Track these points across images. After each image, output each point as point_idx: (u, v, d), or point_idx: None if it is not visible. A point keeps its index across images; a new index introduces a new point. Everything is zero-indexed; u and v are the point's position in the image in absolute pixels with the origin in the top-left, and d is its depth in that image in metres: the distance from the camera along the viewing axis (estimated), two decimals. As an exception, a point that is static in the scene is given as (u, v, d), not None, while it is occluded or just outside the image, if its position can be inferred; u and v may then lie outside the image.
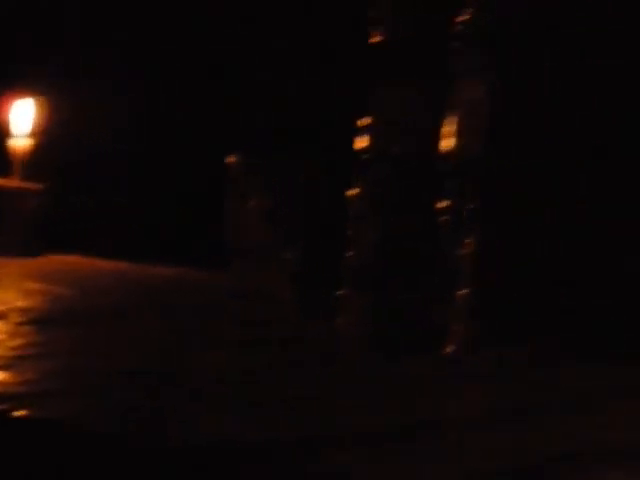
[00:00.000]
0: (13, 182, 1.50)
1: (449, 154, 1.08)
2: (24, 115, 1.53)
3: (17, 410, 0.73)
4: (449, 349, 1.06)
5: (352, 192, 1.11)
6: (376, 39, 1.10)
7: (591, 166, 1.11)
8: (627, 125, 1.10)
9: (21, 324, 1.06)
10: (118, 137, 1.47)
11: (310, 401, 0.84)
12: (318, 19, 1.27)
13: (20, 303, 1.16)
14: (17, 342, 0.96)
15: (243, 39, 1.37)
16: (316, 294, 1.19)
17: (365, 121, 1.10)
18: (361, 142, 1.11)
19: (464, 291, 1.08)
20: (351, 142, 1.11)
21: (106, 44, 1.49)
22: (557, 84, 1.10)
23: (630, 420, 0.78)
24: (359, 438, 0.73)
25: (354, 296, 1.11)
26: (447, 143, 1.08)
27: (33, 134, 1.52)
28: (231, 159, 1.27)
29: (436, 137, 1.09)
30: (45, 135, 1.52)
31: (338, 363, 1.00)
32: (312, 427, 0.76)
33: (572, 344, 1.03)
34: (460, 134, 1.07)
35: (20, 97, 1.52)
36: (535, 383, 0.95)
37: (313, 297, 1.20)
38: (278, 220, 1.24)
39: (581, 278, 1.08)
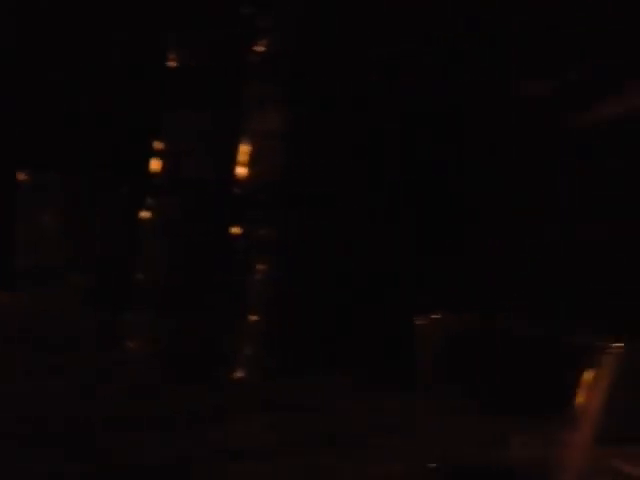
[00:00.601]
0: None
1: (243, 181, 1.09)
2: None
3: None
4: (238, 375, 1.07)
5: (145, 214, 1.11)
6: (172, 63, 1.10)
7: (388, 194, 1.14)
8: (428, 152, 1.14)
9: None
10: None
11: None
12: (116, 38, 1.25)
13: None
14: None
15: (31, 50, 1.33)
16: (107, 316, 1.17)
17: (159, 145, 1.10)
18: (155, 165, 1.11)
19: (254, 317, 1.10)
20: (147, 164, 1.11)
21: None
22: (351, 115, 1.13)
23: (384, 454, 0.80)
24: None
25: (144, 319, 1.10)
26: (241, 170, 1.09)
27: None
28: (21, 176, 1.24)
29: (231, 164, 1.10)
30: None
31: (126, 385, 0.99)
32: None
33: (363, 374, 1.06)
34: (254, 162, 1.09)
35: None
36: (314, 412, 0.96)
37: (104, 319, 1.19)
38: (69, 240, 1.21)
39: (372, 308, 1.11)
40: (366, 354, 1.11)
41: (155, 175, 1.10)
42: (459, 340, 0.56)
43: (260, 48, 1.09)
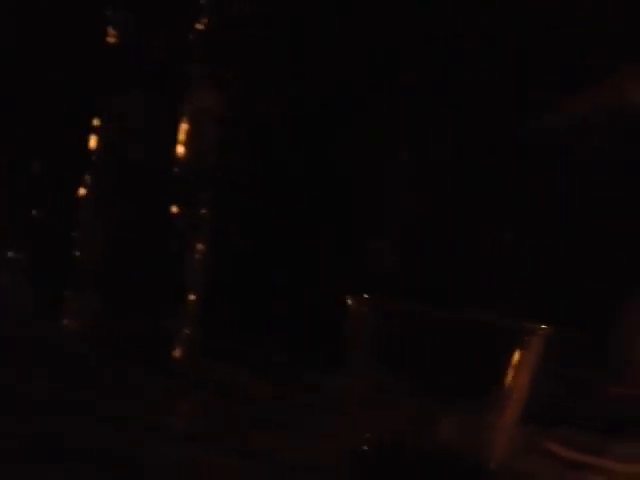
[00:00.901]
0: None
1: (181, 161, 1.09)
2: None
3: None
4: (176, 354, 1.07)
5: (81, 192, 1.10)
6: (112, 40, 1.09)
7: (323, 177, 1.15)
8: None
9: None
10: None
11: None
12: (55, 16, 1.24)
13: None
14: None
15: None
16: (44, 293, 1.17)
17: (97, 122, 1.09)
18: (92, 143, 1.10)
19: (192, 297, 1.09)
20: (83, 142, 1.10)
21: None
22: (289, 96, 1.13)
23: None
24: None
25: (82, 297, 1.10)
26: (180, 150, 1.09)
27: None
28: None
29: (170, 144, 1.10)
30: None
31: (61, 364, 0.99)
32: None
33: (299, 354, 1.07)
34: (192, 142, 1.08)
35: None
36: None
37: (42, 296, 1.18)
38: (4, 218, 1.20)
39: (305, 286, 1.12)
40: (301, 334, 1.12)
41: (93, 153, 1.10)
42: (389, 321, 0.56)
43: (200, 27, 1.09)
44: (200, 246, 1.11)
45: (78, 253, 1.10)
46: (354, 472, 0.57)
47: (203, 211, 1.11)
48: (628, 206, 0.98)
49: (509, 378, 0.56)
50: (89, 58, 1.15)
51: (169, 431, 0.79)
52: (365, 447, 0.57)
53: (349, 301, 0.57)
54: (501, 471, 0.58)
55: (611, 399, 0.98)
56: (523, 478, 0.79)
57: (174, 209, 1.09)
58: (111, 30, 1.10)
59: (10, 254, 1.20)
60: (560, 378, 0.96)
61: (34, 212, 1.20)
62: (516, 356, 0.56)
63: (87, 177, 1.10)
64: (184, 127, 1.09)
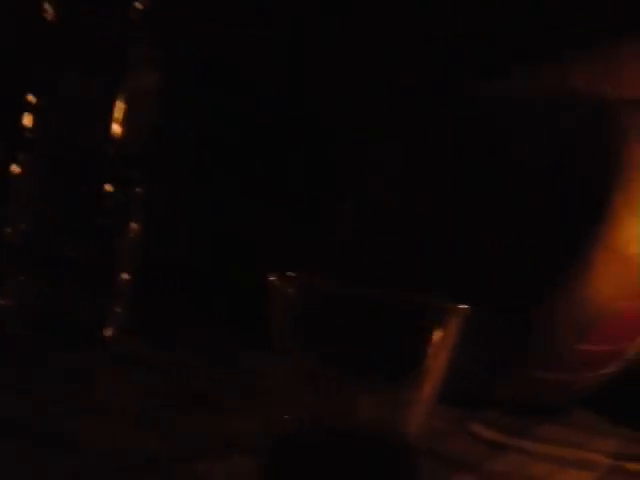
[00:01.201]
0: None
1: (116, 140, 1.09)
2: None
3: None
4: (109, 334, 1.07)
5: (15, 169, 1.09)
6: (48, 17, 1.08)
7: (257, 153, 1.15)
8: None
9: None
10: None
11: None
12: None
13: None
14: None
15: None
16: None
17: (32, 99, 1.09)
18: (27, 120, 1.09)
19: (126, 276, 1.09)
20: (17, 119, 1.10)
21: None
22: (230, 79, 1.13)
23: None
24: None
25: (14, 274, 1.09)
26: (115, 129, 1.08)
27: None
28: None
29: (106, 122, 1.09)
30: None
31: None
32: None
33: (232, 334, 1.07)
34: (127, 122, 1.08)
35: None
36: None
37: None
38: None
39: (241, 270, 1.12)
40: (233, 316, 1.12)
41: (27, 130, 1.09)
42: (310, 300, 0.57)
43: (139, 5, 1.08)
44: (134, 225, 1.11)
45: (9, 230, 1.10)
46: (276, 452, 0.58)
47: (137, 190, 1.11)
48: (559, 192, 0.99)
49: (428, 357, 0.57)
50: (25, 35, 1.14)
51: (101, 409, 0.79)
52: (287, 427, 0.58)
53: (272, 279, 0.58)
54: (420, 449, 0.59)
55: (534, 383, 0.99)
56: (446, 459, 0.80)
57: (108, 187, 1.09)
58: (48, 7, 1.09)
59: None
60: (483, 361, 0.97)
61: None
62: (435, 335, 0.57)
63: (20, 155, 1.09)
64: (120, 106, 1.08)
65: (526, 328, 0.96)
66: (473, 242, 1.00)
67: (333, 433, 0.57)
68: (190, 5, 1.16)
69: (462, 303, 0.59)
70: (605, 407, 1.06)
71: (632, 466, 0.87)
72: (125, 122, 1.07)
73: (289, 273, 0.58)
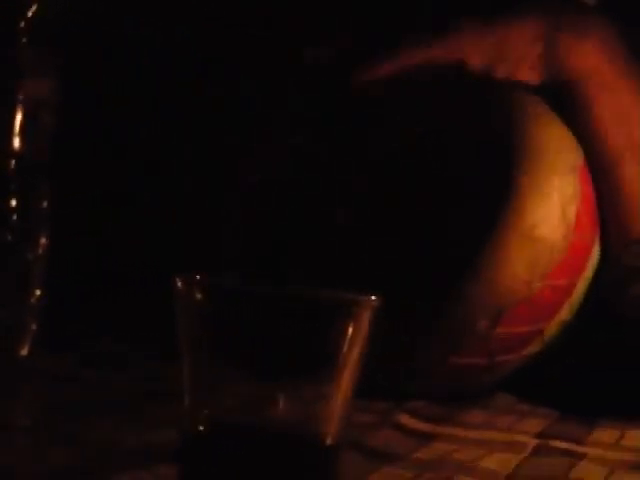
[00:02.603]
0: None
1: (15, 153, 1.06)
2: None
3: None
4: (21, 350, 1.05)
5: None
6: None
7: (161, 164, 1.13)
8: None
9: None
10: None
11: None
12: None
13: None
14: None
15: None
16: None
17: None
18: None
19: (38, 291, 1.07)
20: None
21: None
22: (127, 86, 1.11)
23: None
24: None
25: None
26: (14, 142, 1.06)
27: None
28: None
29: (6, 134, 1.07)
30: None
31: None
32: None
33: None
34: (26, 133, 1.06)
35: None
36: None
37: None
38: None
39: (147, 276, 1.10)
40: (143, 324, 1.11)
41: None
42: (217, 301, 0.56)
43: (32, 12, 1.06)
44: (43, 240, 1.08)
45: None
46: (190, 454, 0.57)
47: (44, 204, 1.09)
48: (464, 176, 0.99)
49: (343, 351, 0.56)
50: None
51: (12, 425, 0.78)
52: (201, 427, 0.57)
53: (176, 282, 0.56)
54: (342, 444, 0.58)
55: (452, 369, 1.00)
56: (373, 451, 0.80)
57: (13, 202, 1.07)
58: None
59: None
60: (398, 349, 0.97)
61: None
62: (348, 328, 0.56)
63: None
64: (18, 117, 1.06)
65: (439, 314, 0.97)
66: (382, 228, 1.00)
67: (250, 433, 0.56)
68: (87, 10, 1.14)
69: (373, 292, 0.58)
70: (527, 388, 1.07)
71: (557, 444, 0.87)
72: (22, 134, 1.05)
73: (195, 275, 0.57)
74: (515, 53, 1.01)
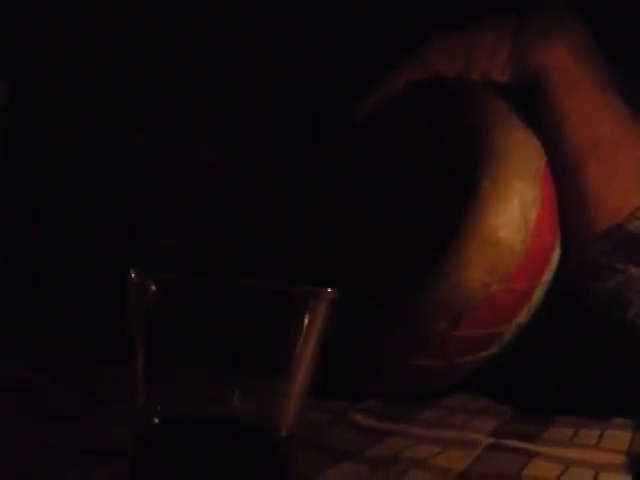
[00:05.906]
0: None
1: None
2: None
3: None
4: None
5: None
6: None
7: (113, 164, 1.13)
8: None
9: None
10: None
11: None
12: None
13: None
14: None
15: None
16: None
17: None
18: None
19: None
20: None
21: None
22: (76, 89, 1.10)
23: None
24: None
25: None
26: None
27: None
28: None
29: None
30: None
31: None
32: None
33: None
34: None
35: None
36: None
37: None
38: None
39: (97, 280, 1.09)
40: (93, 324, 1.10)
41: None
42: (171, 295, 0.55)
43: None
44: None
45: None
46: (144, 447, 0.56)
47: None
48: (428, 177, 1.00)
49: (297, 344, 0.56)
50: None
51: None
52: (155, 420, 0.56)
53: (131, 276, 0.56)
54: (297, 441, 0.58)
55: (408, 370, 1.00)
56: (327, 449, 0.80)
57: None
58: None
59: None
60: (354, 349, 0.97)
61: None
62: (303, 321, 0.56)
63: None
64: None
65: (398, 315, 0.96)
66: (342, 227, 1.00)
67: (204, 426, 0.56)
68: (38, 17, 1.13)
69: (330, 288, 0.58)
70: (484, 388, 1.07)
71: (511, 443, 0.87)
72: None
73: (146, 271, 0.56)
74: (484, 60, 1.02)
